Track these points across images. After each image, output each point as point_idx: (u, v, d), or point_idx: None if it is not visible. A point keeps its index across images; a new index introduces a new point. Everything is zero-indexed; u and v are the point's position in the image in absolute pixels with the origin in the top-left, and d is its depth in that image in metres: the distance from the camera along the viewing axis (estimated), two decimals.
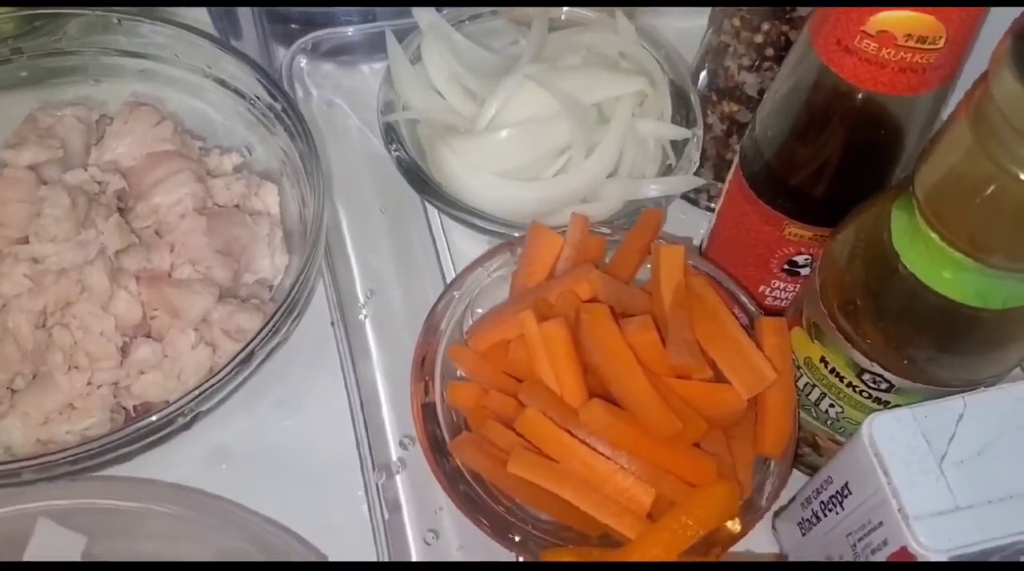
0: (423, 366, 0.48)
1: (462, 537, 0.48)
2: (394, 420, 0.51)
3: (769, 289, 0.53)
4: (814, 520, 0.46)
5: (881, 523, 0.40)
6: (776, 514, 0.51)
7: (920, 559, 0.38)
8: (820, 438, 0.50)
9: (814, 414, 0.48)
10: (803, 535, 0.48)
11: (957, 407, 0.41)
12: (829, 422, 0.48)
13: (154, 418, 0.44)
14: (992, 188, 0.35)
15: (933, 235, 0.37)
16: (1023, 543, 0.39)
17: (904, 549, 0.39)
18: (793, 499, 0.49)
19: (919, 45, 0.39)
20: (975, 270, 0.37)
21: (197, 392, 0.43)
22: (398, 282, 0.55)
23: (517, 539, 0.44)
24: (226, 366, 0.44)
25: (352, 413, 0.51)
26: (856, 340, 0.43)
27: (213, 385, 0.44)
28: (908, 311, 0.41)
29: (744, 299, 0.51)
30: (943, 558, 0.38)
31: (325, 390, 0.52)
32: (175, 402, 0.44)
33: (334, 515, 0.48)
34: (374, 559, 0.47)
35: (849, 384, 0.45)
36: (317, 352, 0.54)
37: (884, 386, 0.44)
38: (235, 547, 0.44)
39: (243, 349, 0.45)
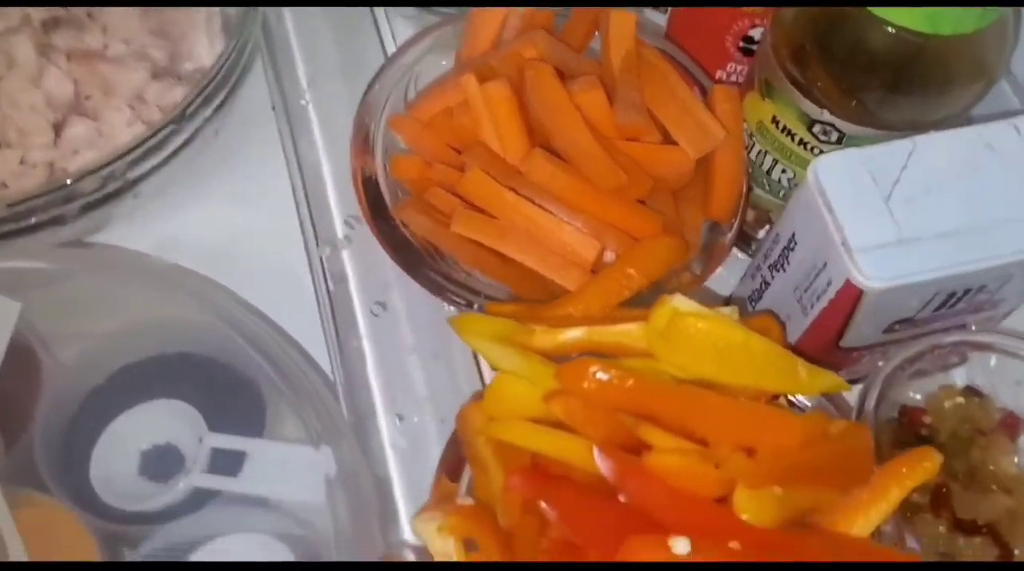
0: (365, 140, 0.47)
1: (410, 310, 0.47)
2: (339, 200, 0.50)
3: (726, 73, 0.52)
4: (763, 288, 0.46)
5: (826, 264, 0.40)
6: (727, 302, 0.51)
7: (863, 289, 0.38)
8: (774, 214, 0.49)
9: (767, 186, 0.48)
10: (752, 309, 0.47)
11: (906, 147, 0.40)
12: (782, 193, 0.47)
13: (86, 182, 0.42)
14: None
15: None
16: (966, 276, 0.38)
17: (848, 282, 0.38)
18: (742, 277, 0.49)
19: None
20: None
21: (126, 150, 0.42)
22: (342, 70, 0.54)
23: (461, 299, 0.44)
24: (159, 128, 0.43)
25: (294, 191, 0.49)
26: (806, 87, 0.42)
27: (144, 146, 0.43)
28: (857, 45, 0.39)
29: (698, 73, 0.49)
30: (885, 287, 0.37)
31: (271, 177, 0.51)
32: (105, 163, 0.42)
33: (282, 292, 0.48)
34: (319, 331, 0.46)
35: (800, 141, 0.44)
36: (262, 142, 0.52)
37: (835, 137, 0.43)
38: (181, 316, 0.43)
39: (175, 110, 0.43)
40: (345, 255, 0.48)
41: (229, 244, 0.50)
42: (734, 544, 0.34)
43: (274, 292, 0.47)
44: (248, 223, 0.50)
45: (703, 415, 0.35)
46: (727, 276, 0.52)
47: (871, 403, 0.43)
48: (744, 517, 0.33)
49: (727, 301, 0.48)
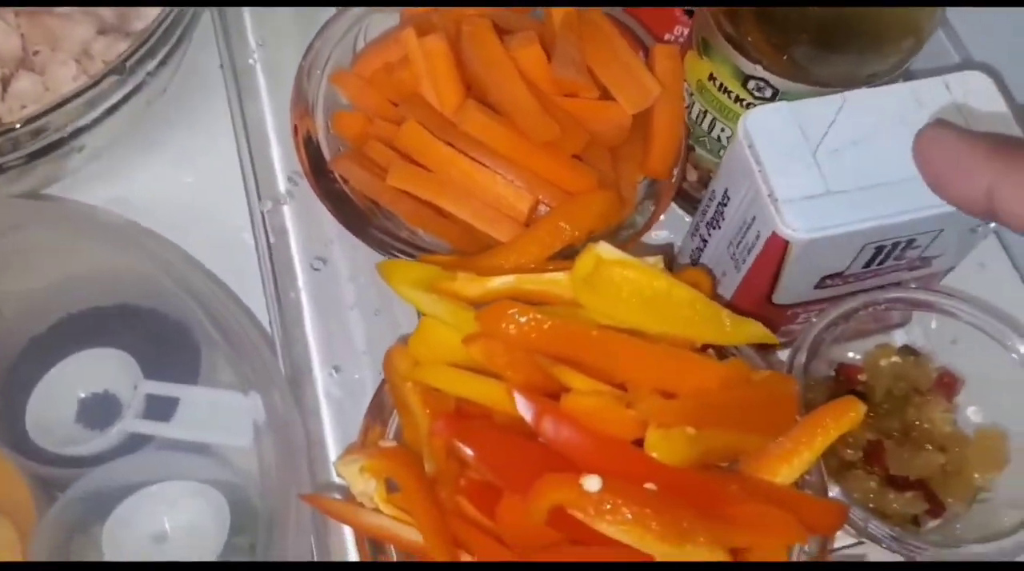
0: (306, 97, 0.47)
1: (352, 267, 0.48)
2: (283, 156, 0.50)
3: (674, 36, 0.52)
4: (702, 246, 0.46)
5: (755, 217, 0.40)
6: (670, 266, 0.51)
7: (789, 241, 0.38)
8: (715, 173, 0.49)
9: (708, 146, 0.48)
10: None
11: (836, 102, 0.40)
12: (722, 151, 0.47)
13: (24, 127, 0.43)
14: None
15: None
16: (892, 227, 0.39)
17: (774, 234, 0.38)
18: (684, 238, 0.49)
19: None
20: None
21: (67, 98, 0.42)
22: (292, 30, 0.54)
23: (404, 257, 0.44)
24: (100, 78, 0.43)
25: (238, 146, 0.50)
26: (739, 42, 0.42)
27: (85, 95, 0.43)
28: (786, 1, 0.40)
29: (643, 35, 0.50)
30: (810, 238, 0.38)
31: (219, 135, 0.52)
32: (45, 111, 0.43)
33: (224, 247, 0.48)
34: (259, 285, 0.46)
35: (737, 98, 0.44)
36: (211, 101, 0.53)
37: (769, 93, 0.43)
38: (123, 267, 0.44)
39: (117, 60, 0.44)
40: (286, 210, 0.49)
41: (174, 199, 0.50)
42: (649, 485, 0.34)
43: (216, 247, 0.47)
44: (194, 179, 0.51)
45: (622, 358, 0.35)
46: (674, 239, 0.52)
47: (801, 357, 0.43)
48: (654, 455, 0.33)
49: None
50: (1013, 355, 0.44)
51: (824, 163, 0.39)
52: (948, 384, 0.47)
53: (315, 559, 0.39)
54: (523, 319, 0.35)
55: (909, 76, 0.42)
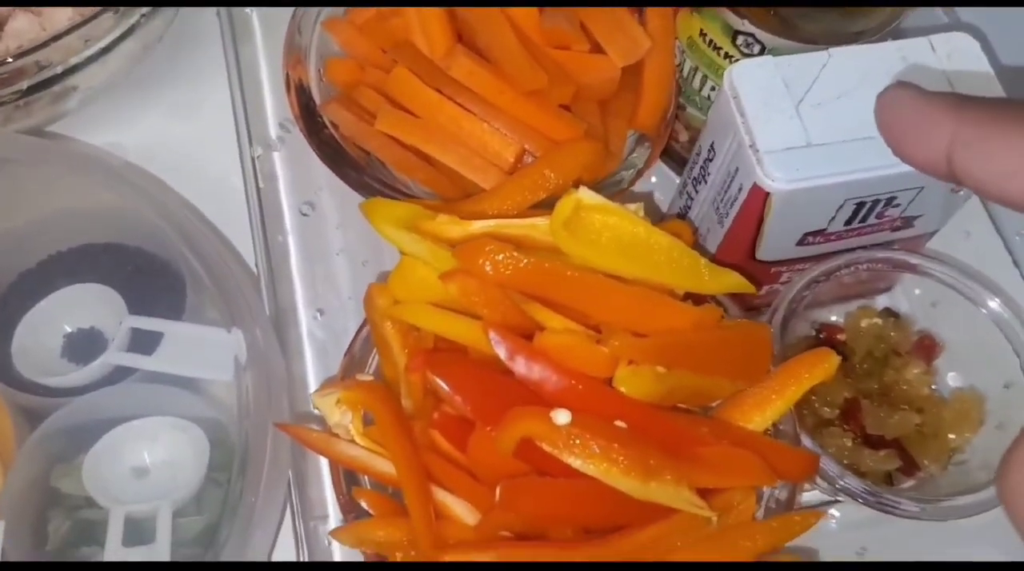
0: (299, 44, 0.47)
1: (342, 215, 0.48)
2: (276, 104, 0.51)
3: None
4: (689, 203, 0.46)
5: (738, 169, 0.40)
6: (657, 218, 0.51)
7: (769, 192, 0.38)
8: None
9: (699, 104, 0.48)
10: None
11: (821, 58, 0.40)
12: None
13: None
14: None
15: None
16: (872, 181, 0.39)
17: (755, 185, 0.39)
18: (673, 197, 0.49)
19: None
20: None
21: (60, 34, 0.43)
22: None
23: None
24: (92, 16, 0.44)
25: (231, 92, 0.50)
26: None
27: (77, 31, 0.43)
28: None
29: None
30: (790, 189, 0.38)
31: (214, 82, 0.52)
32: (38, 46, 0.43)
33: (215, 192, 0.48)
34: (248, 228, 0.47)
35: (726, 55, 0.44)
36: (208, 49, 0.53)
37: (757, 49, 0.43)
38: (113, 205, 0.44)
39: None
40: (277, 157, 0.49)
41: (168, 145, 0.50)
42: (619, 422, 0.34)
43: (206, 191, 0.48)
44: (187, 126, 0.51)
45: (596, 298, 0.36)
46: (665, 201, 0.53)
47: (780, 313, 0.43)
48: (622, 389, 0.34)
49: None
50: (992, 319, 0.44)
51: (807, 116, 0.39)
52: (927, 347, 0.47)
53: (292, 487, 0.40)
54: (500, 256, 0.35)
55: (898, 36, 0.42)
